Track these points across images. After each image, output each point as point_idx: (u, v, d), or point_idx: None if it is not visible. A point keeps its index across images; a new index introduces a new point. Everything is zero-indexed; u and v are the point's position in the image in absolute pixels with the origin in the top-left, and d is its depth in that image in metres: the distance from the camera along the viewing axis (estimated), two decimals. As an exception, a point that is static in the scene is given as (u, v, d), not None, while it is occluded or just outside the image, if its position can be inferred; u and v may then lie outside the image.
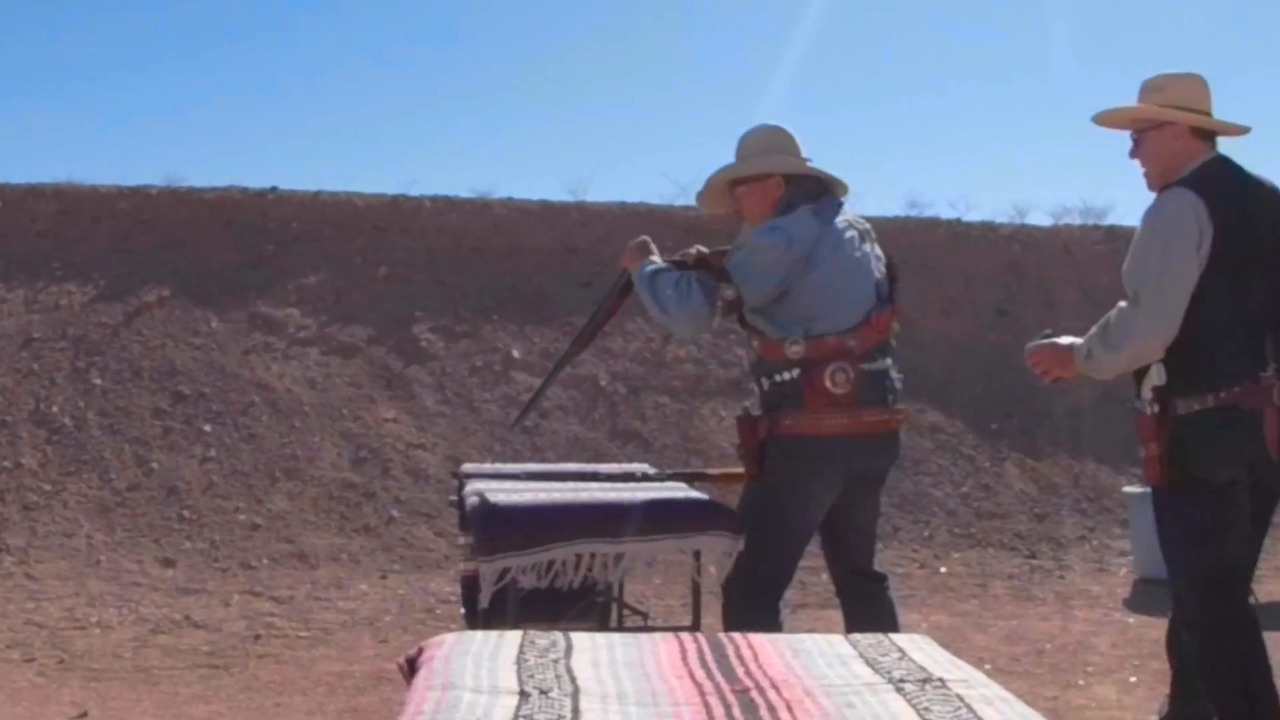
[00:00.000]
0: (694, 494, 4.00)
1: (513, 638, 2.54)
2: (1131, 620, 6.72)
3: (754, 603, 3.84)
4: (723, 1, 29.71)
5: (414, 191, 11.86)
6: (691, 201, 4.58)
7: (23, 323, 10.09)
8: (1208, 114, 3.68)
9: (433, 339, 10.40)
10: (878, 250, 4.08)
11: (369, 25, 27.60)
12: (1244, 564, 3.59)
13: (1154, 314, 3.49)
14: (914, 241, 11.31)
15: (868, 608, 4.03)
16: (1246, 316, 3.51)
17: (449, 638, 2.55)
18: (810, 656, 2.44)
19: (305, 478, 8.93)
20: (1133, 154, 3.74)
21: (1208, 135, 3.68)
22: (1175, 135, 3.65)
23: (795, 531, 3.93)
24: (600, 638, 2.63)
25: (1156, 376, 3.52)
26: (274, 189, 11.67)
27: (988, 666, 5.43)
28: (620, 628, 4.40)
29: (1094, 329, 3.66)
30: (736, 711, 2.08)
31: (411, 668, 2.43)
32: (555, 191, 13.54)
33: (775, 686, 2.21)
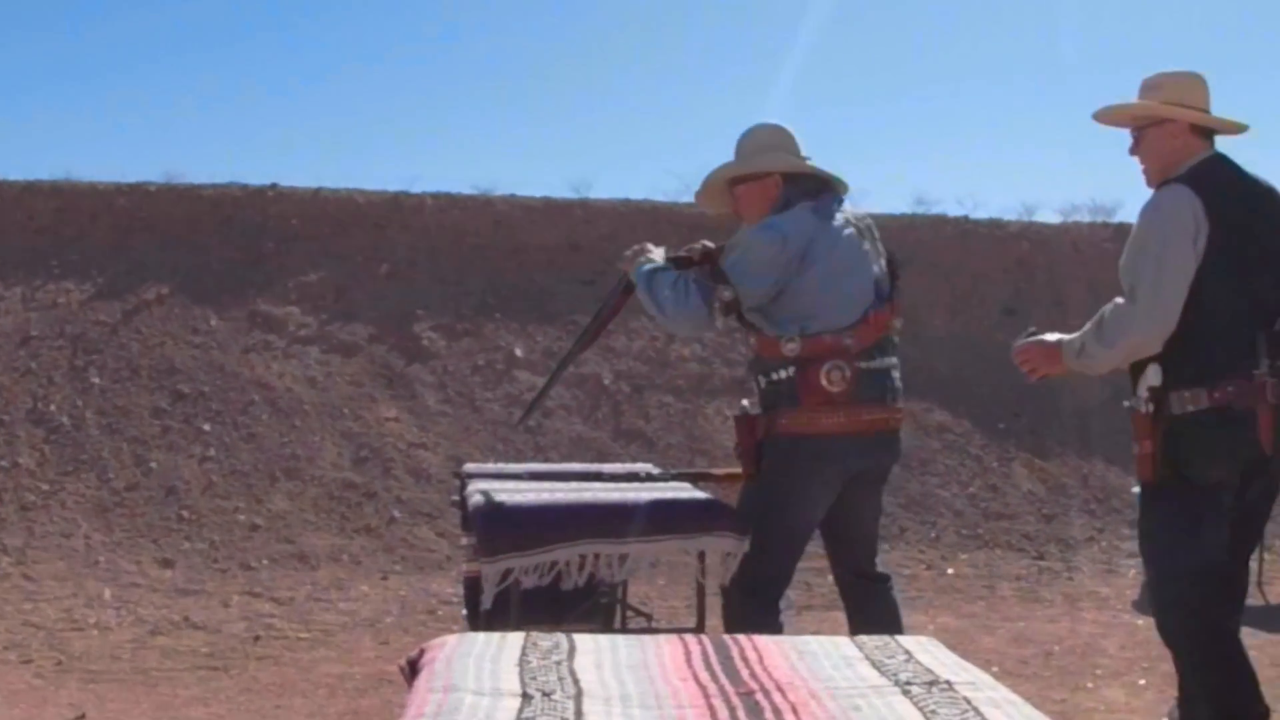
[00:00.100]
0: (698, 494, 3.99)
1: (515, 639, 2.52)
2: (1140, 622, 6.66)
3: (752, 602, 3.83)
4: (728, -2, 29.73)
5: (415, 188, 11.86)
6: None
7: (20, 321, 10.07)
8: (1207, 112, 3.72)
9: (434, 337, 10.38)
10: (879, 247, 4.06)
11: (370, 21, 27.64)
12: (1222, 562, 3.62)
13: (1150, 310, 3.53)
14: (921, 239, 11.30)
15: (871, 609, 4.02)
16: (1241, 314, 3.54)
17: (451, 639, 2.53)
18: (816, 658, 2.42)
19: (305, 477, 8.90)
20: (1132, 151, 3.79)
21: (1207, 133, 3.72)
22: (1174, 133, 3.69)
23: (793, 531, 3.92)
24: (604, 639, 2.60)
25: (1153, 376, 3.55)
26: (274, 186, 11.65)
27: (995, 669, 5.40)
28: (624, 629, 4.41)
29: (1088, 325, 3.70)
30: (741, 714, 2.07)
31: (413, 669, 2.42)
32: (558, 188, 13.47)
33: (780, 689, 2.19)
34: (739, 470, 4.10)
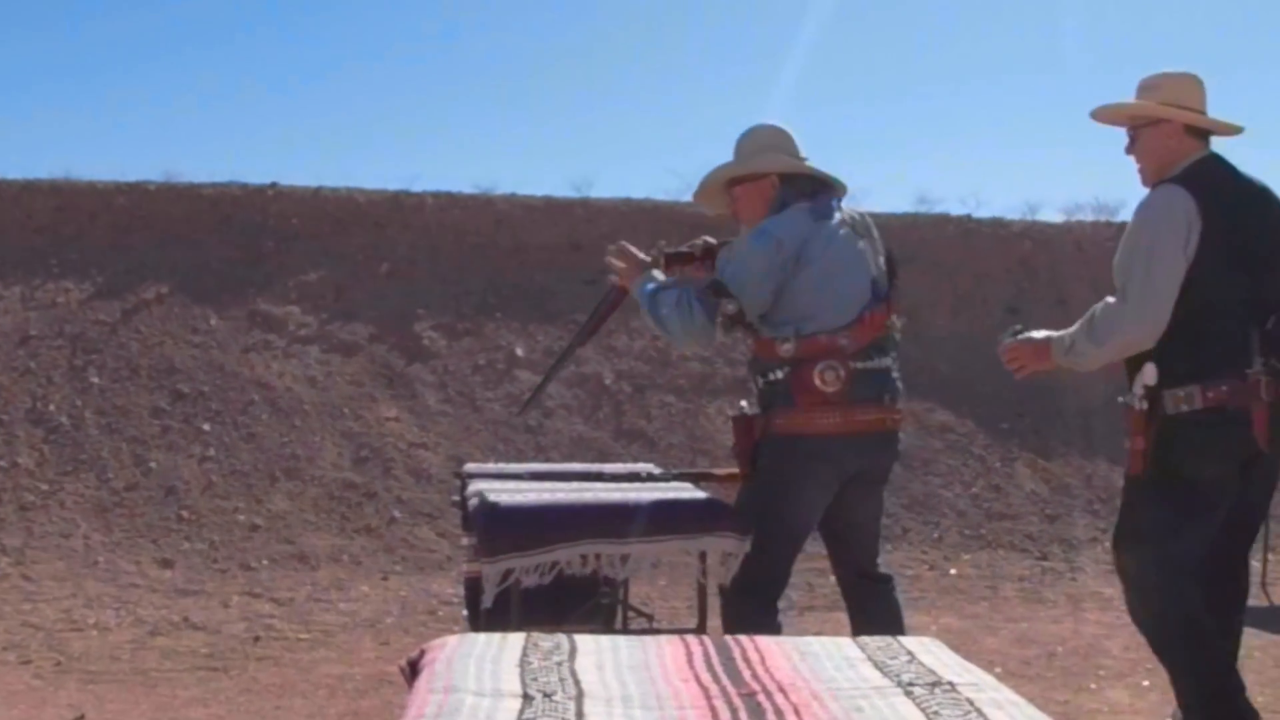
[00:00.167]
0: (700, 494, 3.99)
1: (516, 640, 2.51)
2: (1144, 622, 6.64)
3: (750, 602, 3.83)
4: (729, -4, 29.74)
5: (416, 187, 11.86)
6: (697, 198, 4.57)
7: (19, 320, 10.06)
8: (1202, 113, 3.78)
9: (435, 337, 10.37)
10: (878, 246, 4.05)
11: (371, 19, 27.66)
12: (1201, 557, 3.69)
13: (1140, 309, 3.60)
14: (924, 238, 11.29)
15: (872, 609, 4.02)
16: (1234, 312, 3.60)
17: (451, 640, 2.53)
18: (818, 659, 2.42)
19: (305, 477, 8.89)
20: (1129, 150, 3.86)
21: (1202, 134, 3.78)
22: (1170, 133, 3.75)
23: (789, 531, 3.91)
24: (605, 640, 2.60)
25: (1149, 375, 3.60)
26: (274, 185, 11.64)
27: (998, 670, 5.38)
28: (625, 630, 4.40)
29: (1079, 322, 3.76)
30: (743, 715, 2.06)
31: (413, 670, 2.41)
32: (559, 187, 13.49)
33: (782, 690, 2.18)
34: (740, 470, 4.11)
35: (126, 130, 24.59)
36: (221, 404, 9.47)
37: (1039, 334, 3.90)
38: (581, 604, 4.10)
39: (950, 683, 2.23)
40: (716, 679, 2.28)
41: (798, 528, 3.94)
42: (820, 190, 3.98)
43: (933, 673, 2.31)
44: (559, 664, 2.34)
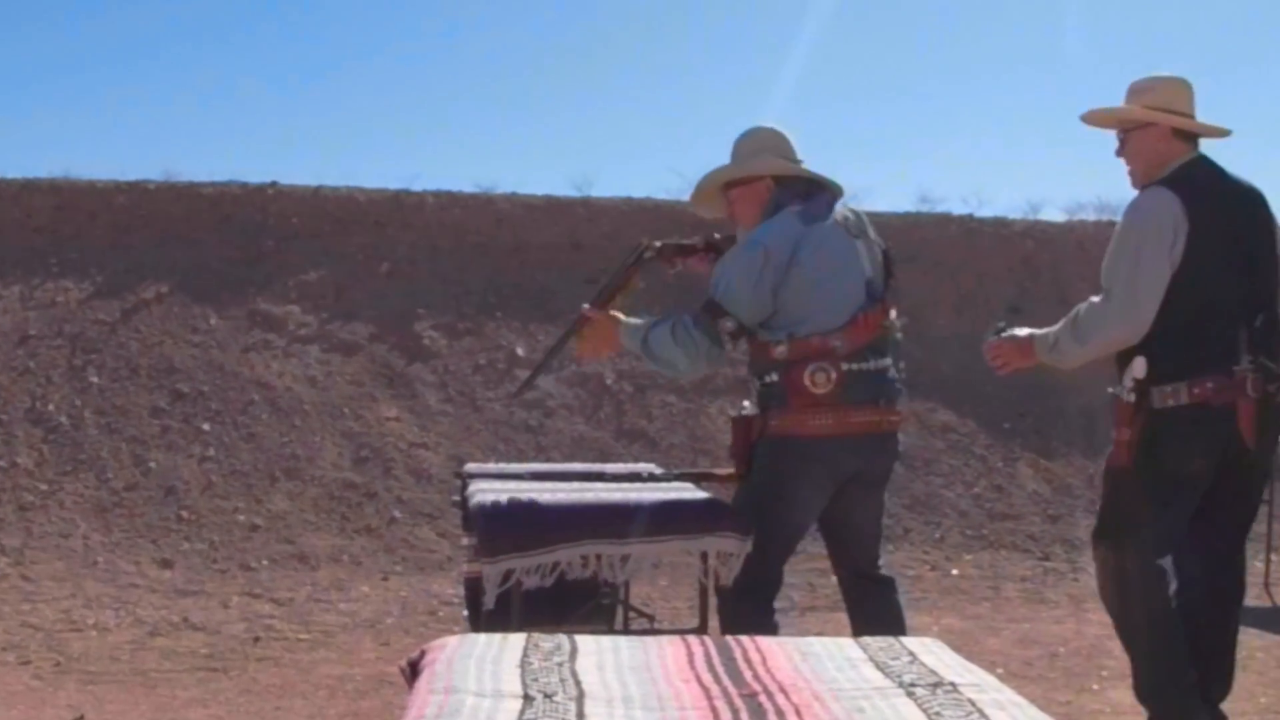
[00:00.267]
0: (701, 495, 3.98)
1: (516, 641, 2.52)
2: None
3: (746, 603, 3.83)
4: (730, -5, 29.74)
5: (416, 186, 11.84)
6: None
7: (18, 320, 10.05)
8: (1191, 116, 3.88)
9: (435, 336, 10.35)
10: (874, 246, 4.04)
11: (371, 18, 27.65)
12: (1174, 551, 3.85)
13: (1123, 309, 3.71)
14: (926, 238, 11.28)
15: (872, 609, 4.02)
16: (1221, 311, 3.69)
17: (452, 640, 2.53)
18: (819, 660, 2.42)
19: (305, 477, 8.88)
20: (1119, 153, 3.96)
21: (1190, 137, 3.88)
22: (1158, 136, 3.85)
23: (783, 532, 3.91)
24: (606, 641, 2.60)
25: (1138, 369, 3.69)
26: (274, 184, 11.63)
27: (1000, 670, 5.37)
28: (626, 630, 4.40)
29: (1063, 321, 3.88)
30: (744, 716, 2.07)
31: (414, 671, 2.42)
32: (560, 186, 13.47)
33: (784, 690, 2.19)
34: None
35: (126, 129, 24.61)
36: (221, 404, 9.46)
37: (1022, 331, 4.00)
38: (582, 604, 4.09)
39: (952, 683, 2.23)
40: (718, 679, 2.28)
41: (792, 528, 3.95)
42: (815, 191, 3.98)
43: (934, 673, 2.31)
44: (560, 665, 2.34)
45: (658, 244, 4.21)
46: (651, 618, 5.06)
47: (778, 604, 4.01)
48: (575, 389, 9.96)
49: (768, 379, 3.88)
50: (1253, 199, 3.88)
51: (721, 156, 4.14)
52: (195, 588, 7.42)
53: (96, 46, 27.06)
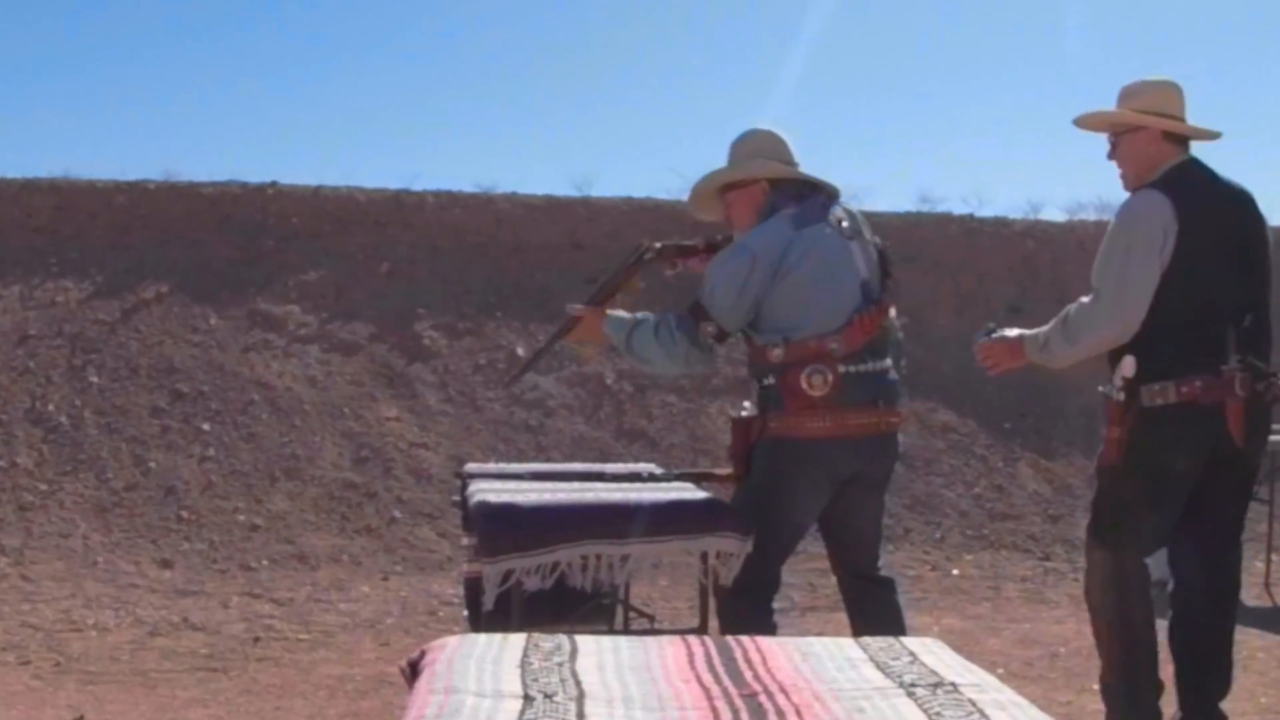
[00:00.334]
0: (701, 495, 3.98)
1: (517, 641, 2.52)
2: (1148, 623, 6.62)
3: (742, 603, 3.83)
4: (731, -6, 29.73)
5: (416, 186, 11.82)
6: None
7: (18, 320, 10.04)
8: (1181, 119, 3.94)
9: (435, 336, 10.35)
10: (871, 246, 4.03)
11: (371, 17, 27.65)
12: (1160, 543, 3.99)
13: (1112, 309, 3.76)
14: (926, 237, 11.27)
15: (871, 610, 4.03)
16: (1210, 312, 3.75)
17: (452, 641, 2.53)
18: (819, 660, 2.43)
19: (305, 477, 8.88)
20: (1110, 156, 4.02)
21: (1180, 139, 3.94)
22: (1149, 139, 3.91)
23: (780, 532, 3.91)
24: (606, 641, 2.60)
25: (1127, 368, 3.75)
26: (274, 184, 11.61)
27: (1000, 671, 5.37)
28: (626, 630, 4.39)
29: (1053, 321, 3.94)
30: (744, 716, 2.07)
31: (414, 671, 2.42)
32: (560, 186, 13.49)
33: (784, 690, 2.19)
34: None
35: (126, 129, 24.62)
36: (221, 404, 9.45)
37: (1012, 332, 4.07)
38: (582, 604, 4.08)
39: (953, 683, 2.23)
40: (718, 680, 2.28)
41: (789, 530, 3.95)
42: (809, 192, 3.98)
43: (935, 674, 2.31)
44: (560, 665, 2.34)
45: (658, 245, 4.21)
46: (651, 618, 5.05)
47: (778, 604, 4.02)
48: (575, 389, 9.95)
49: (765, 382, 3.89)
50: (1242, 201, 3.95)
51: (721, 156, 4.15)
52: (195, 588, 7.42)
53: (97, 46, 27.07)
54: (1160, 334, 3.73)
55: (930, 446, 9.65)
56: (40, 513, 8.30)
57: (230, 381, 9.67)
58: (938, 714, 2.06)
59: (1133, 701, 3.97)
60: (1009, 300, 11.16)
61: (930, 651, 2.51)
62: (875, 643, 2.59)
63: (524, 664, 2.33)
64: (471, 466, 4.87)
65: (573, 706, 2.09)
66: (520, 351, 10.25)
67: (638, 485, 4.11)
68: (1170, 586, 4.11)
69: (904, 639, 2.66)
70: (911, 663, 2.40)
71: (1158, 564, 4.16)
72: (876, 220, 4.15)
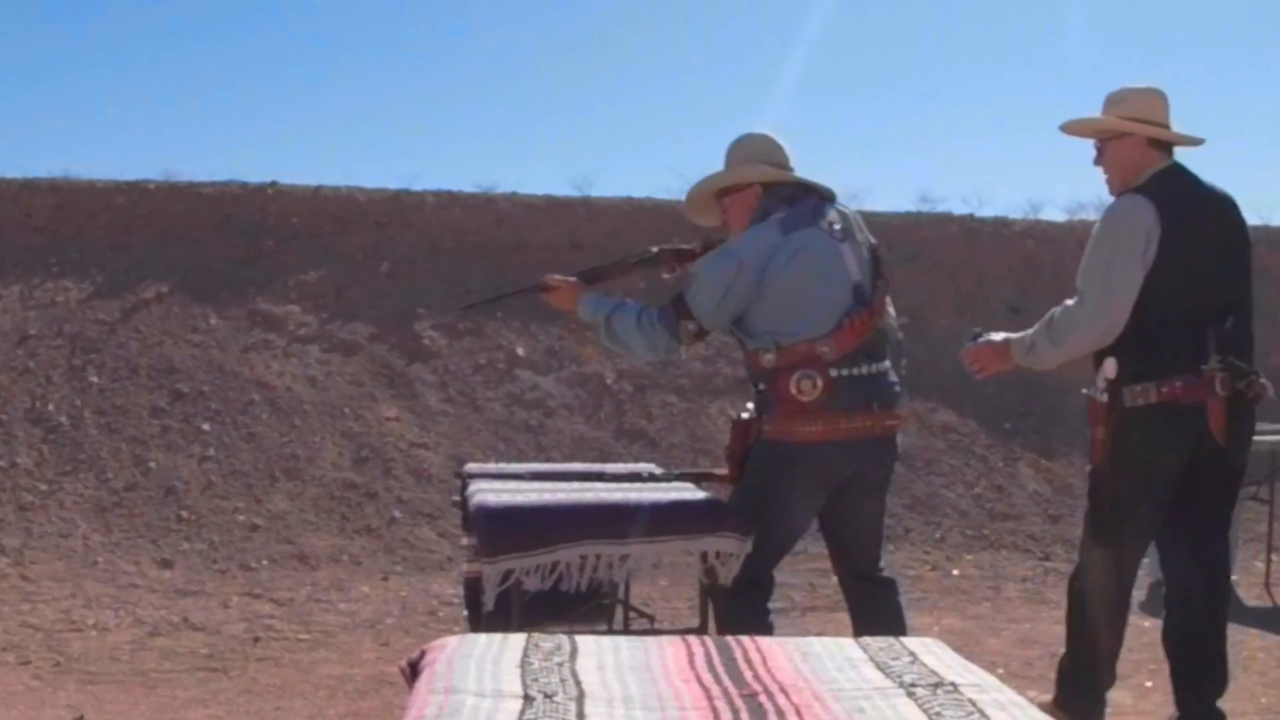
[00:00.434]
0: (701, 495, 3.99)
1: (517, 641, 2.52)
2: (1147, 624, 6.58)
3: (738, 603, 3.84)
4: (731, -5, 29.72)
5: (416, 186, 11.84)
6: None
7: (18, 320, 10.04)
8: (1165, 126, 4.02)
9: (435, 336, 10.35)
10: (863, 247, 4.03)
11: (371, 17, 27.65)
12: (1146, 540, 4.07)
13: (1096, 312, 3.84)
14: (926, 238, 11.27)
15: (872, 610, 4.04)
16: (1190, 314, 3.82)
17: (452, 641, 2.53)
18: (820, 660, 2.43)
19: (305, 477, 8.87)
20: (1096, 162, 4.12)
21: (1164, 145, 4.03)
22: (1133, 146, 4.00)
23: (773, 534, 3.91)
24: (606, 641, 2.60)
25: (1109, 370, 3.85)
26: (274, 184, 11.62)
27: (1000, 671, 5.36)
28: (626, 630, 4.38)
29: (1039, 323, 4.04)
30: (744, 716, 2.07)
31: (414, 671, 2.42)
32: (560, 186, 13.51)
33: (784, 690, 2.19)
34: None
35: (125, 129, 24.63)
36: (221, 404, 9.45)
37: (998, 336, 4.18)
38: (582, 604, 4.09)
39: (953, 684, 2.24)
40: (718, 680, 2.28)
41: (783, 532, 3.95)
42: (803, 195, 3.98)
43: (935, 674, 2.32)
44: (560, 665, 2.34)
45: (654, 249, 4.24)
46: (651, 618, 5.05)
47: (777, 605, 4.02)
48: (575, 389, 9.95)
49: (760, 386, 3.92)
50: (1224, 205, 4.03)
51: (721, 157, 4.15)
52: (195, 588, 7.41)
53: (96, 46, 27.08)
54: (1142, 336, 3.81)
55: (930, 446, 9.65)
56: (40, 513, 8.30)
57: (230, 381, 9.67)
58: (938, 714, 2.06)
59: (1087, 686, 4.18)
60: (1009, 300, 11.16)
61: (930, 651, 2.51)
62: (875, 643, 2.59)
63: (524, 664, 2.33)
64: (471, 466, 4.87)
65: (573, 706, 2.09)
66: (520, 352, 10.25)
67: (638, 485, 4.11)
68: (1163, 590, 4.17)
69: (904, 639, 2.67)
70: (911, 663, 2.40)
71: (1154, 565, 4.21)
72: (876, 220, 4.16)
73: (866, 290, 3.93)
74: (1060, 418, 10.00)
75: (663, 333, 3.90)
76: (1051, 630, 6.60)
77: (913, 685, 2.23)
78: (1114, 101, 4.06)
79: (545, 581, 3.54)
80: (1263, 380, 3.88)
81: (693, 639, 2.62)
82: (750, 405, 4.03)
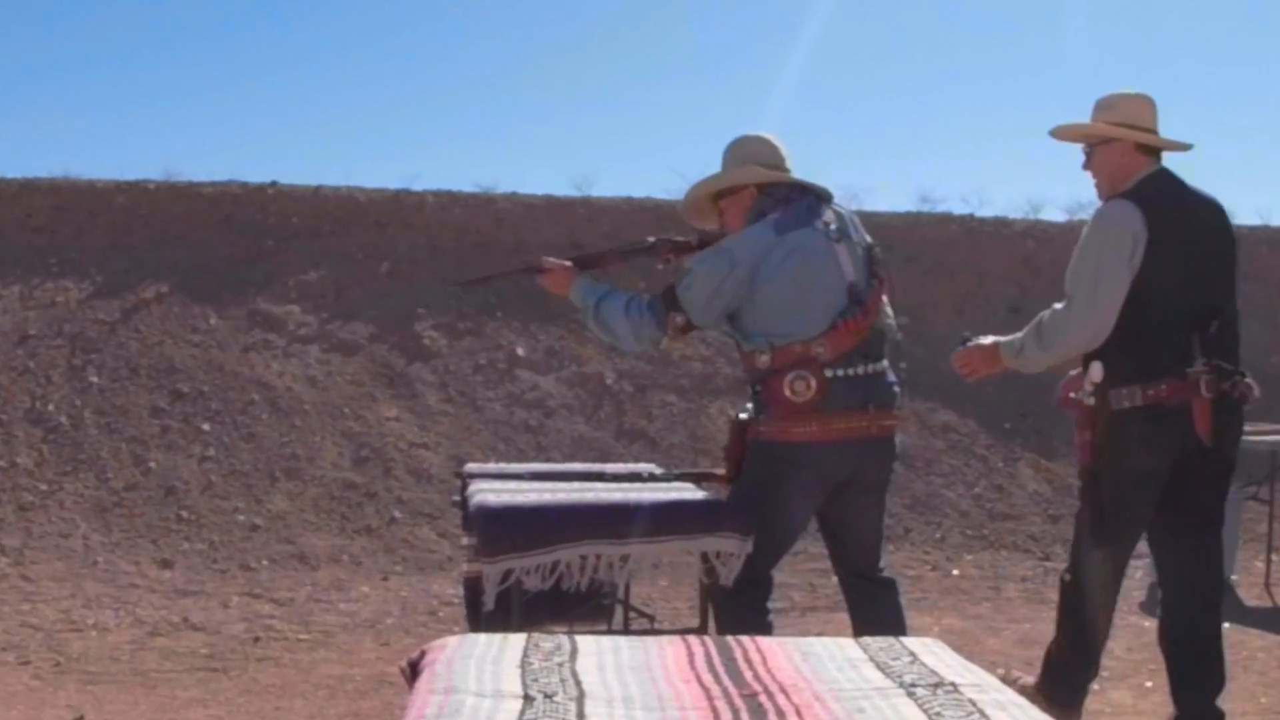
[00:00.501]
0: (701, 495, 3.99)
1: (517, 641, 2.52)
2: (1147, 624, 6.60)
3: (736, 603, 3.85)
4: (731, -6, 29.73)
5: (417, 186, 11.83)
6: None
7: (18, 320, 10.04)
8: (1154, 131, 4.08)
9: (435, 336, 10.34)
10: (858, 247, 4.02)
11: (371, 16, 27.66)
12: (1135, 539, 4.13)
13: (1083, 316, 3.90)
14: (926, 238, 11.27)
15: (872, 610, 4.04)
16: (1176, 317, 3.87)
17: (452, 641, 2.53)
18: (820, 660, 2.43)
19: (305, 477, 8.87)
20: (1085, 166, 4.18)
21: (1152, 151, 4.08)
22: (1122, 151, 4.06)
23: (771, 534, 3.91)
24: (606, 641, 2.60)
25: (1096, 373, 3.90)
26: (274, 183, 11.62)
27: (1000, 671, 5.34)
28: (626, 630, 4.38)
29: (1028, 327, 4.09)
30: (744, 716, 2.07)
31: (414, 671, 2.42)
32: (560, 186, 13.50)
33: (784, 690, 2.19)
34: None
35: (126, 129, 24.61)
36: (221, 404, 9.45)
37: (987, 339, 4.23)
38: (582, 604, 4.09)
39: (953, 683, 2.24)
40: (718, 680, 2.28)
41: (780, 532, 3.94)
42: (798, 196, 3.98)
43: (935, 674, 2.32)
44: (560, 665, 2.34)
45: (650, 239, 4.24)
46: (651, 618, 5.04)
47: (777, 605, 4.02)
48: (575, 389, 9.95)
49: (755, 387, 3.92)
50: (1211, 210, 4.08)
51: (721, 156, 4.15)
52: (195, 588, 7.41)
53: (97, 46, 27.08)
54: (1127, 339, 3.86)
55: (930, 446, 9.65)
56: (40, 513, 8.30)
57: (230, 381, 9.67)
58: (938, 714, 2.06)
59: (1071, 675, 4.24)
60: (1009, 300, 11.15)
61: (930, 651, 2.51)
62: (875, 643, 2.59)
63: (524, 664, 2.33)
64: (471, 466, 4.87)
65: (573, 706, 2.09)
66: (520, 352, 10.25)
67: (638, 485, 4.11)
68: (1159, 593, 4.22)
69: (904, 639, 2.67)
70: (912, 663, 2.41)
71: (1153, 565, 4.23)
72: (876, 220, 4.17)
73: (862, 291, 3.92)
74: (1060, 418, 9.96)
75: (649, 322, 3.93)
76: (1051, 630, 6.59)
77: (913, 685, 2.23)
78: (1103, 107, 4.11)
79: (545, 581, 3.54)
80: (1248, 381, 3.94)
81: (693, 639, 2.62)
82: (749, 405, 4.03)
